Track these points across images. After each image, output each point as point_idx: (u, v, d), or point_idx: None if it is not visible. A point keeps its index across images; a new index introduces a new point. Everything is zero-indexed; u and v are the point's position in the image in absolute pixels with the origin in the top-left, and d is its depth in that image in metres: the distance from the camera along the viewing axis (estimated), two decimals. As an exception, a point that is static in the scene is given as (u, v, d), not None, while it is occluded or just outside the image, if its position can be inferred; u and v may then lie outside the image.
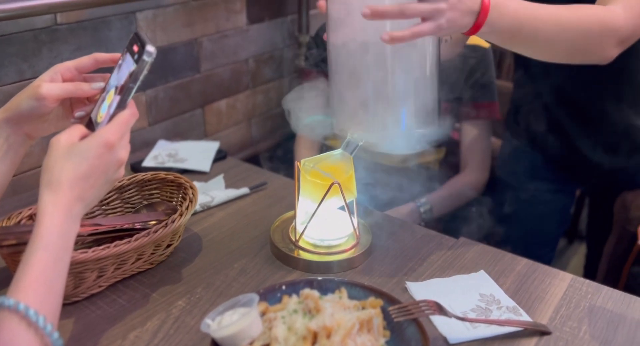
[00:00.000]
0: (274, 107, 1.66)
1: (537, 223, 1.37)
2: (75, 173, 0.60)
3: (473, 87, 1.40)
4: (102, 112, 0.66)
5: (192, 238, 0.98)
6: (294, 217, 0.95)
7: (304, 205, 0.93)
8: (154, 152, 1.26)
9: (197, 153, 1.25)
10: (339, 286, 0.77)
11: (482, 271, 0.90)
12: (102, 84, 0.70)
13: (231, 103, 1.52)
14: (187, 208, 0.89)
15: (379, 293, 0.77)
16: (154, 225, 0.88)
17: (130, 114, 0.64)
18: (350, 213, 0.93)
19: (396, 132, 0.87)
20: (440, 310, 0.74)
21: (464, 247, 0.98)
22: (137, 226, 0.90)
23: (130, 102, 0.65)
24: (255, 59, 1.55)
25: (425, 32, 0.73)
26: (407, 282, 0.87)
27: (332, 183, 0.87)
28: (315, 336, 0.66)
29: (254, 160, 1.44)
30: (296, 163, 0.93)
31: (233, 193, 1.11)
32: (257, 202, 1.11)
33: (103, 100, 0.67)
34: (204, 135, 1.48)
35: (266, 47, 1.57)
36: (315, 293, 0.71)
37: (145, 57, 0.64)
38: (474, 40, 1.41)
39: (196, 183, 1.13)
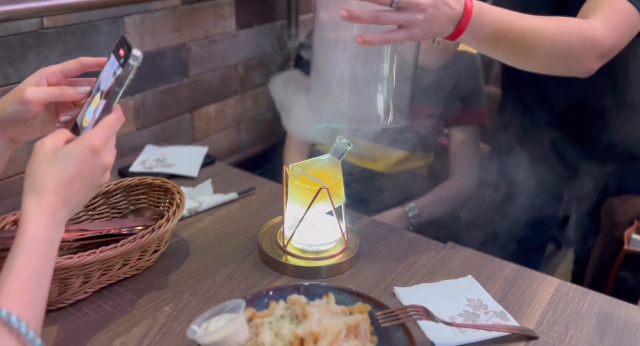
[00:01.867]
0: (264, 112, 1.66)
1: (525, 228, 1.38)
2: (60, 178, 0.59)
3: (461, 93, 1.40)
4: (88, 116, 0.65)
5: (180, 244, 0.98)
6: (282, 222, 0.95)
7: (292, 210, 0.93)
8: (141, 156, 1.25)
9: (185, 158, 1.25)
10: (326, 292, 0.77)
11: (469, 276, 0.90)
12: (87, 88, 0.70)
13: (220, 108, 1.52)
14: (174, 213, 0.88)
15: (366, 299, 0.77)
16: (141, 230, 0.88)
17: (115, 118, 0.64)
18: (339, 218, 0.93)
19: (363, 115, 0.87)
20: (427, 315, 0.74)
21: (452, 252, 0.98)
22: (124, 231, 0.90)
23: (116, 106, 0.65)
24: (244, 64, 1.55)
25: (396, 40, 0.75)
26: (395, 287, 0.87)
27: (320, 188, 0.87)
28: (302, 342, 0.66)
29: (243, 165, 1.44)
30: (284, 168, 0.93)
31: (221, 198, 1.10)
32: (246, 207, 1.10)
33: (89, 105, 0.67)
34: (192, 140, 1.47)
35: (255, 53, 1.57)
36: (302, 298, 0.71)
37: (131, 61, 0.63)
38: (462, 46, 1.42)
39: (184, 189, 1.13)
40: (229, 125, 1.56)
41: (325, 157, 0.93)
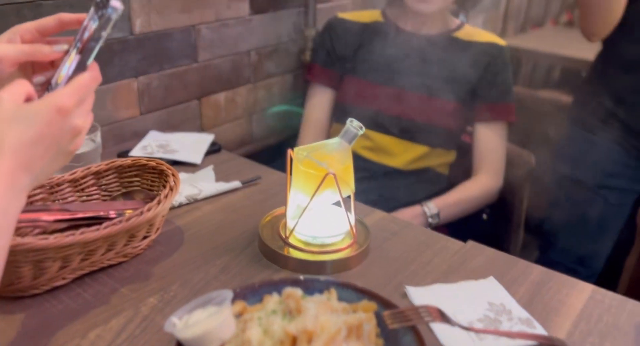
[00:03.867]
0: (277, 103, 1.58)
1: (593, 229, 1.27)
2: (20, 139, 0.51)
3: (488, 86, 1.31)
4: (62, 74, 0.58)
5: (174, 232, 0.90)
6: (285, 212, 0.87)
7: (296, 198, 0.84)
8: (143, 142, 1.18)
9: (189, 145, 1.17)
10: (328, 287, 0.68)
11: (491, 278, 0.81)
12: (65, 47, 0.62)
13: (230, 97, 1.44)
14: (166, 196, 0.80)
15: (373, 296, 0.67)
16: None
17: (90, 77, 0.56)
18: (347, 208, 0.84)
19: None
20: (442, 317, 0.65)
21: (473, 251, 0.88)
22: (112, 215, 0.82)
23: (93, 64, 0.58)
24: (258, 51, 1.47)
25: None
26: (406, 287, 0.78)
27: (327, 174, 0.79)
28: (294, 341, 0.57)
29: (252, 158, 1.36)
30: (289, 151, 0.85)
31: (223, 186, 1.02)
32: (249, 197, 1.02)
33: (64, 63, 0.60)
34: (200, 128, 1.40)
35: (270, 40, 1.49)
36: (298, 291, 0.62)
37: (108, 12, 0.56)
38: (489, 37, 1.33)
39: (184, 175, 1.05)
40: (239, 115, 1.49)
41: (334, 141, 0.85)
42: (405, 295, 0.77)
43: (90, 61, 0.57)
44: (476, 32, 1.34)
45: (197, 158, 1.13)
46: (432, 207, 1.28)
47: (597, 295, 0.79)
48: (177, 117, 1.33)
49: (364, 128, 0.84)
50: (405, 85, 1.33)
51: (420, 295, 0.76)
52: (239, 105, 1.47)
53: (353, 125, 0.83)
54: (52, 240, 0.69)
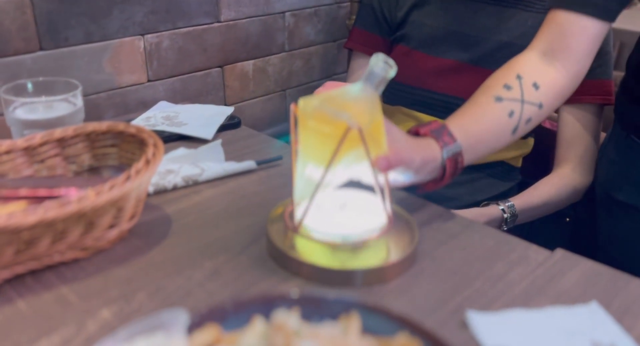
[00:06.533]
0: (317, 77, 1.35)
1: None
2: None
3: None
4: None
5: (159, 221, 0.69)
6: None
7: (306, 172, 0.61)
8: (148, 112, 0.98)
9: (201, 118, 0.97)
10: (347, 310, 0.45)
11: (594, 304, 0.56)
12: None
13: (260, 66, 1.22)
14: (138, 171, 0.59)
15: (415, 328, 0.44)
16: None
17: None
18: (382, 190, 0.60)
19: None
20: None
21: (564, 264, 0.63)
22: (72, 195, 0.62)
23: None
24: (294, 13, 1.24)
25: None
26: (469, 312, 0.54)
27: (348, 129, 0.55)
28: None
29: (285, 140, 1.15)
30: (291, 105, 0.61)
31: (232, 166, 0.81)
32: (265, 181, 0.80)
33: None
34: (223, 102, 1.19)
35: (309, 0, 1.26)
36: (291, 320, 0.39)
37: None
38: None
39: (183, 150, 0.85)
40: (271, 88, 1.27)
41: (354, 87, 0.60)
42: (465, 326, 0.53)
43: None
44: None
45: (208, 132, 0.92)
46: (511, 207, 1.01)
47: None
48: (194, 86, 1.13)
49: (395, 68, 0.59)
50: (472, 58, 1.07)
51: (489, 325, 0.53)
52: (271, 77, 1.25)
53: (379, 63, 0.58)
54: (-39, 223, 0.49)
